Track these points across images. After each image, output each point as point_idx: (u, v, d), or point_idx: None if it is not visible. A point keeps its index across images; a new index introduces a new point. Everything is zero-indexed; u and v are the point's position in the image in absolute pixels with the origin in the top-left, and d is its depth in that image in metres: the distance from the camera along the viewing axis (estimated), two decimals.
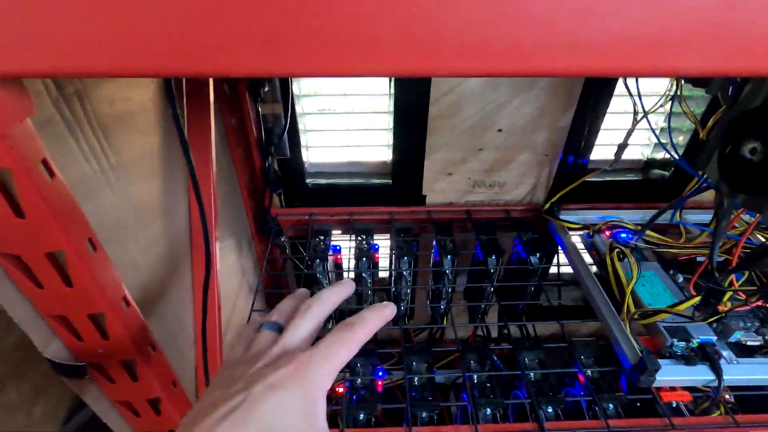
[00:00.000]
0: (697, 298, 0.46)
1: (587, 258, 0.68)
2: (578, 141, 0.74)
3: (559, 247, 0.72)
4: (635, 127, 0.60)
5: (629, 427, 0.46)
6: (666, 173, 0.79)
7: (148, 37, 0.18)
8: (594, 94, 0.69)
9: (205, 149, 0.50)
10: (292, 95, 0.67)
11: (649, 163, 0.82)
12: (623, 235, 0.68)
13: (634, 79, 0.62)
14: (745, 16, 0.19)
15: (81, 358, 0.30)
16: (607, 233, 0.69)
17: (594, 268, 0.66)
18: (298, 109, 0.72)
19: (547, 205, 0.76)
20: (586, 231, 0.71)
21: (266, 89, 0.64)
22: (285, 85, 0.65)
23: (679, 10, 0.19)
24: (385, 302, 0.30)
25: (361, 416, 0.48)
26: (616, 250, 0.63)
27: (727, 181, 0.33)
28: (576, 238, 0.72)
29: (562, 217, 0.73)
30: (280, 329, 0.29)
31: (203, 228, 0.41)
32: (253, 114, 0.66)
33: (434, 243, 0.74)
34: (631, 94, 0.59)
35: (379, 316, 0.29)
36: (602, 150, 0.77)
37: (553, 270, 0.81)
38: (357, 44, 0.19)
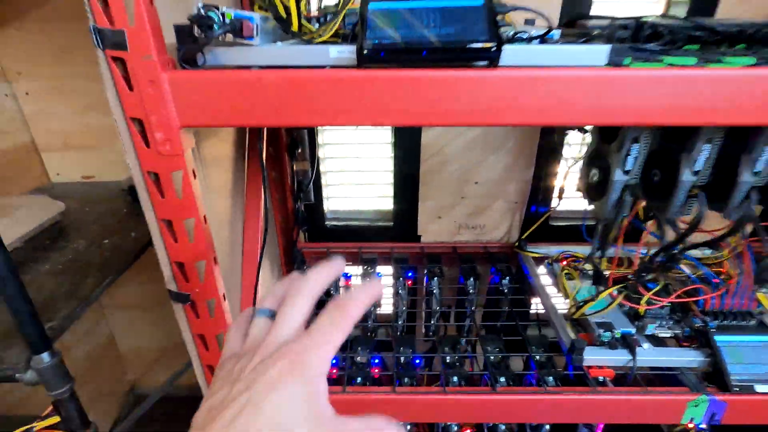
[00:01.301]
0: (604, 291, 0.63)
1: (547, 280, 0.85)
2: (538, 191, 0.94)
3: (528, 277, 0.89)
4: (566, 177, 0.80)
5: (563, 391, 0.61)
6: None
7: (268, 107, 0.42)
8: (545, 155, 0.91)
9: (259, 189, 0.73)
10: (317, 156, 0.92)
11: None
12: (575, 263, 0.85)
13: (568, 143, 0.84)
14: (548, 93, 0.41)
15: (185, 291, 0.50)
16: (564, 262, 0.86)
17: (553, 289, 0.83)
18: (322, 167, 0.96)
19: (517, 242, 0.95)
20: (547, 261, 0.88)
21: (299, 150, 0.89)
22: (313, 147, 0.90)
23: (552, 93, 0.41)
24: (371, 281, 0.31)
25: (359, 380, 0.64)
26: (565, 270, 0.80)
27: (588, 196, 0.53)
28: (542, 269, 0.90)
29: (529, 249, 0.92)
30: (273, 315, 0.30)
31: (263, 237, 0.62)
32: (289, 169, 0.90)
33: (425, 272, 0.93)
34: (562, 155, 0.80)
35: (368, 293, 0.29)
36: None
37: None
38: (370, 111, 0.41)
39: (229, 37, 0.41)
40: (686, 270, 0.72)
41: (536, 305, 0.89)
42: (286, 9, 0.44)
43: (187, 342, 0.54)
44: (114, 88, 0.40)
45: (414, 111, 0.40)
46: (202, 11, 0.39)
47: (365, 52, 0.39)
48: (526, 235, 0.95)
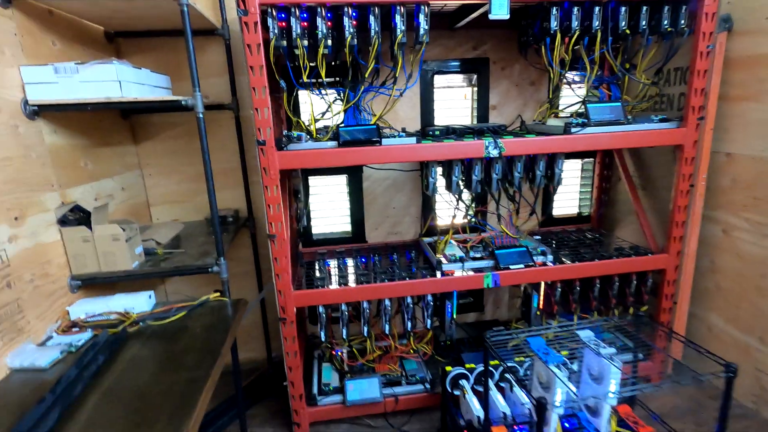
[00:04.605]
0: (445, 237, 1.49)
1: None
2: (426, 211, 1.84)
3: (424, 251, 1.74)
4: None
5: (435, 278, 1.44)
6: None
7: (309, 160, 1.27)
8: (425, 193, 1.81)
9: (287, 212, 1.55)
10: (308, 198, 1.75)
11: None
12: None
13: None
14: None
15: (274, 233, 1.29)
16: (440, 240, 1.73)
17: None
18: (310, 206, 1.80)
19: (419, 237, 1.81)
20: (433, 241, 1.74)
21: (299, 196, 1.73)
22: (306, 194, 1.75)
23: None
24: None
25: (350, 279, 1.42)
26: (439, 243, 1.67)
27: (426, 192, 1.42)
28: (430, 246, 1.75)
29: (425, 239, 1.77)
30: None
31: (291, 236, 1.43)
32: (294, 206, 1.73)
33: (371, 257, 1.74)
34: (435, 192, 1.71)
35: None
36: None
37: None
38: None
39: (294, 141, 1.28)
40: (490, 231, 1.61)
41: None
42: (309, 130, 1.33)
43: (272, 261, 1.31)
44: (258, 158, 1.24)
45: (357, 159, 1.28)
46: (286, 133, 1.26)
47: (340, 142, 1.26)
48: (422, 232, 1.82)
